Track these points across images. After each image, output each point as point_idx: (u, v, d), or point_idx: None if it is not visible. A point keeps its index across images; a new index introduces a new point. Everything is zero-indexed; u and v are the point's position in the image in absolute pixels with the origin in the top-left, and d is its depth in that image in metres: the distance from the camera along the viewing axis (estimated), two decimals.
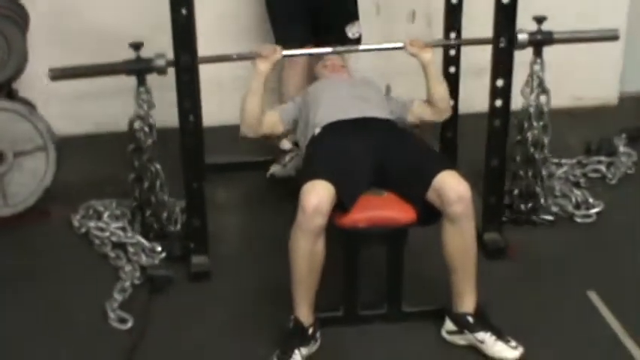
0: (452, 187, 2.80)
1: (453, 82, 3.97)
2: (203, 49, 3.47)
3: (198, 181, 3.31)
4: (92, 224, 3.59)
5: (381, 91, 3.48)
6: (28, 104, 3.97)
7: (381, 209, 2.92)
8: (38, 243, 3.62)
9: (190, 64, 3.13)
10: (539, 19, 3.51)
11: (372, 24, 4.54)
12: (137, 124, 3.44)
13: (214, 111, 4.64)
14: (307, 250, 2.78)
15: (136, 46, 3.31)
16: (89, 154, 4.42)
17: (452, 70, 3.98)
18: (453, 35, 3.90)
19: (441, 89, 3.37)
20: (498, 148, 3.41)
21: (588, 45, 4.69)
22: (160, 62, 3.27)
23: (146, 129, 3.45)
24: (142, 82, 3.35)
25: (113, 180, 3.88)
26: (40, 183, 3.67)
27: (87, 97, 4.56)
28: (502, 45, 3.26)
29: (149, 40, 3.38)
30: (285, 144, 3.89)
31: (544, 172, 3.71)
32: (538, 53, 3.56)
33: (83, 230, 3.62)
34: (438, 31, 4.04)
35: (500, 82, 3.31)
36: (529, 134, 3.65)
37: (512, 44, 3.28)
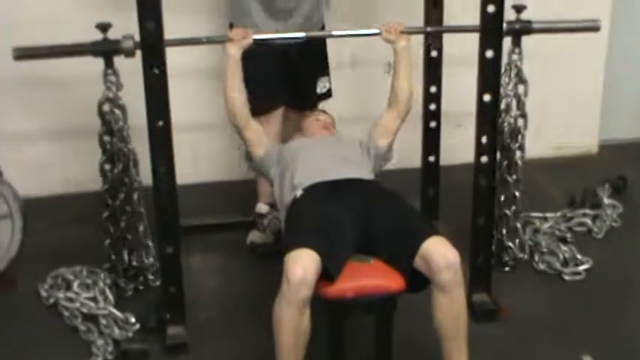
0: (440, 254, 2.67)
1: (433, 137, 3.90)
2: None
3: (173, 246, 3.15)
4: (61, 295, 3.40)
5: (361, 147, 3.36)
6: None
7: (369, 277, 2.77)
8: (3, 315, 3.41)
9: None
10: (519, 8, 3.42)
11: (347, 76, 4.46)
12: (106, 107, 3.31)
13: (188, 169, 4.54)
14: (293, 322, 2.62)
15: (103, 28, 3.18)
16: (58, 216, 4.24)
17: (432, 124, 3.88)
18: (433, 89, 3.81)
19: (406, 83, 3.27)
20: (485, 205, 3.30)
21: (566, 92, 4.71)
22: (128, 44, 3.11)
23: (116, 111, 3.32)
24: (109, 64, 3.23)
25: (84, 245, 3.72)
26: (6, 253, 3.49)
27: (54, 157, 4.43)
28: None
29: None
30: (262, 207, 3.75)
31: (519, 162, 3.63)
32: (517, 43, 3.46)
33: (51, 301, 3.43)
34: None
35: (484, 139, 3.21)
36: (505, 124, 3.55)
37: (497, 105, 3.20)
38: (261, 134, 3.33)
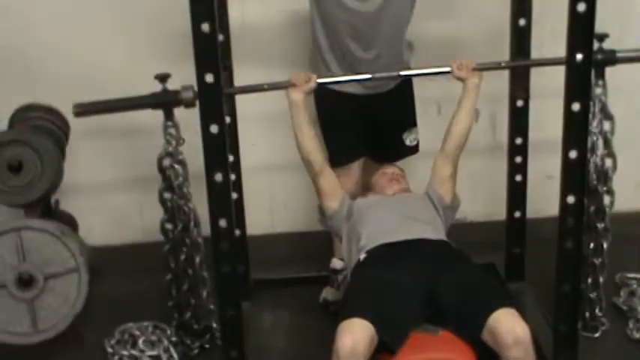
0: (507, 329, 2.47)
1: (520, 191, 3.65)
2: None
3: (235, 307, 2.99)
4: (125, 352, 3.33)
5: (433, 203, 3.18)
6: (67, 219, 3.79)
7: (436, 351, 2.58)
8: None
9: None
10: (600, 37, 3.16)
11: (432, 125, 4.27)
12: (166, 162, 3.21)
13: (264, 218, 4.44)
14: None
15: (162, 78, 3.11)
16: (134, 266, 4.19)
17: (518, 178, 3.63)
18: (519, 141, 3.58)
19: (466, 118, 3.16)
20: (571, 270, 3.04)
21: None
22: (188, 94, 3.02)
23: (176, 166, 3.21)
24: (169, 115, 3.15)
25: (157, 297, 3.60)
26: (72, 309, 3.44)
27: (133, 203, 4.38)
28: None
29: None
30: (337, 263, 3.59)
31: (607, 209, 3.29)
32: (600, 75, 3.21)
33: (116, 358, 3.35)
34: (502, 134, 3.74)
35: (571, 199, 2.95)
36: (591, 164, 3.25)
37: (585, 161, 2.93)
38: (336, 186, 3.20)
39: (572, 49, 2.75)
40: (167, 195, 3.27)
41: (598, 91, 3.21)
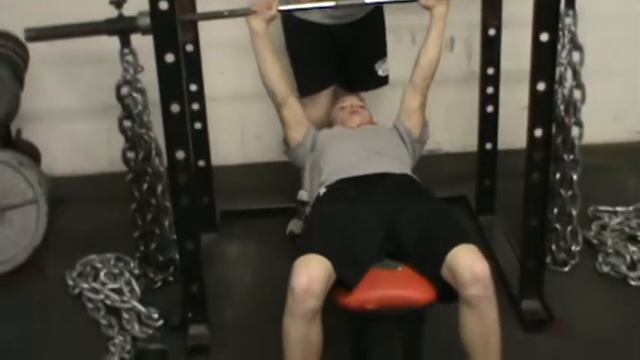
0: (466, 266, 2.39)
1: (491, 123, 3.57)
2: None
3: (194, 241, 2.92)
4: (86, 285, 3.26)
5: (400, 136, 3.09)
6: (29, 149, 3.69)
7: (393, 287, 2.51)
8: (27, 304, 3.29)
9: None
10: None
11: (407, 54, 4.15)
12: (124, 90, 3.13)
13: (235, 148, 4.36)
14: (299, 336, 2.40)
15: (118, 4, 2.98)
16: (100, 196, 4.11)
17: (490, 109, 3.55)
18: (491, 71, 3.48)
19: (433, 47, 3.06)
20: (537, 205, 2.97)
21: None
22: (144, 20, 2.86)
23: (135, 94, 3.13)
24: (125, 42, 3.03)
25: (121, 226, 3.52)
26: (31, 239, 3.36)
27: (99, 132, 4.28)
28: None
29: None
30: (304, 195, 3.51)
31: (576, 142, 3.19)
32: (570, 4, 3.07)
33: (77, 291, 3.29)
34: (477, 63, 3.61)
35: (538, 132, 2.87)
36: (559, 95, 3.15)
37: (552, 95, 2.84)
38: (301, 117, 3.12)
39: None
40: (127, 124, 3.18)
41: (568, 20, 3.08)
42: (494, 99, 3.53)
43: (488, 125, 3.58)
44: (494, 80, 3.50)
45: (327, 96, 3.56)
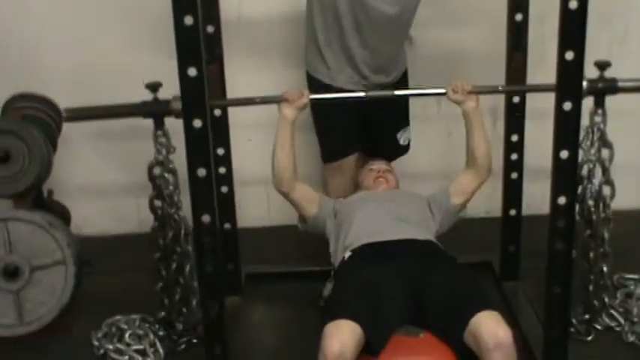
0: (489, 332, 2.40)
1: (515, 189, 3.60)
2: None
3: (218, 305, 2.93)
4: (110, 346, 3.29)
5: (425, 203, 3.11)
6: (59, 209, 3.75)
7: (417, 354, 2.54)
8: None
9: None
10: (602, 65, 3.11)
11: (432, 122, 4.22)
12: (157, 171, 3.20)
13: (261, 211, 4.40)
14: None
15: (153, 88, 3.08)
16: (129, 256, 4.14)
17: (514, 175, 3.57)
18: (515, 138, 3.51)
19: (484, 144, 3.09)
20: (561, 273, 2.97)
21: None
22: (178, 105, 2.93)
23: (166, 175, 3.20)
24: (159, 125, 3.14)
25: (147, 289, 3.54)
26: (59, 300, 3.40)
27: (129, 192, 4.35)
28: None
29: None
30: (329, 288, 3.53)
31: (606, 235, 3.26)
32: (599, 104, 3.16)
33: (102, 352, 3.31)
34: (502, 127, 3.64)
35: (561, 200, 2.87)
36: (588, 191, 3.22)
37: (576, 162, 2.86)
38: (310, 192, 3.19)
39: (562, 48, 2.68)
40: (157, 203, 3.25)
41: (597, 119, 3.18)
42: (518, 165, 3.55)
43: (512, 191, 3.60)
44: (518, 147, 3.53)
45: (350, 163, 3.61)
